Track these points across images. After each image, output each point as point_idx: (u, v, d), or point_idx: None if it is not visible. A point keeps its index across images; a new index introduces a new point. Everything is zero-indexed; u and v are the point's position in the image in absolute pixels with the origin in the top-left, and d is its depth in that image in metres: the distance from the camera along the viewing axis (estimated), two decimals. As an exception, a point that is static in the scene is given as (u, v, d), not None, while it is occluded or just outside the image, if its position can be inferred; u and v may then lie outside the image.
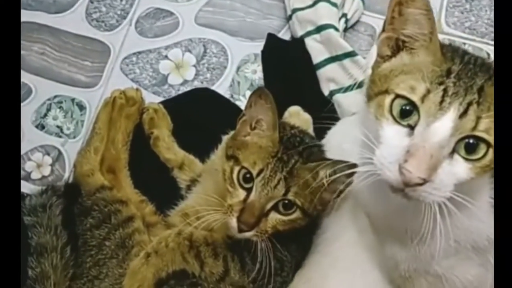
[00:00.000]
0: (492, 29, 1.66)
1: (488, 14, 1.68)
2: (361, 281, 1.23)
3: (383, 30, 1.00)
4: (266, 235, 1.18)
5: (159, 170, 1.50)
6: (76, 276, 1.32)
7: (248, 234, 1.16)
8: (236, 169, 1.19)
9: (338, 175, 1.10)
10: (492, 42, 1.64)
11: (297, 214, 1.18)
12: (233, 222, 1.16)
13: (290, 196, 1.16)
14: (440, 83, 0.89)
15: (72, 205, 1.40)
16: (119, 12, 1.73)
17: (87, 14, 1.72)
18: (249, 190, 1.17)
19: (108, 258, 1.30)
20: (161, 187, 1.49)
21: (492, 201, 1.03)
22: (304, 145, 1.22)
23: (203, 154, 1.47)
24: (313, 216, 1.22)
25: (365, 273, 1.23)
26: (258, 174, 1.16)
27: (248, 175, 1.17)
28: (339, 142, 1.29)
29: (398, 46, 0.99)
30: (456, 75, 0.90)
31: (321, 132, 1.38)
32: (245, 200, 1.17)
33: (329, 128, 1.38)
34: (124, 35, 1.70)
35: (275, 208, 1.17)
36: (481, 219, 1.03)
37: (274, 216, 1.18)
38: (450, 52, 0.95)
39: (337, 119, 1.49)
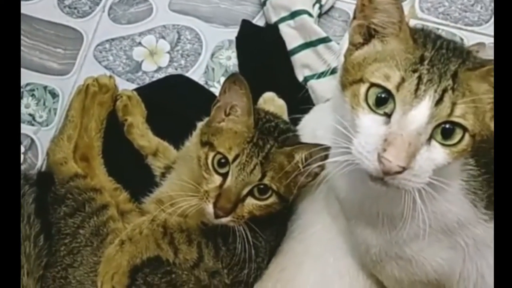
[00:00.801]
0: (466, 13, 1.67)
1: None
2: (333, 268, 1.24)
3: (354, 18, 0.99)
4: (242, 221, 1.18)
5: (133, 157, 1.50)
6: (49, 264, 1.31)
7: (224, 220, 1.17)
8: (211, 154, 1.19)
9: (318, 163, 1.12)
10: (466, 27, 1.65)
11: (273, 199, 1.19)
12: (210, 208, 1.16)
13: (266, 180, 1.17)
14: (414, 71, 0.89)
15: (45, 194, 1.39)
16: (92, -1, 1.71)
17: (59, 1, 1.70)
18: (225, 176, 1.17)
19: (83, 246, 1.30)
20: (135, 175, 1.49)
21: (464, 183, 1.05)
22: (279, 131, 1.22)
23: (177, 141, 1.47)
24: (289, 201, 1.23)
25: (337, 260, 1.24)
26: (234, 160, 1.16)
27: (223, 161, 1.17)
28: (313, 128, 1.30)
29: (370, 34, 0.98)
30: (429, 61, 0.90)
31: (295, 118, 1.38)
32: (221, 185, 1.17)
33: (303, 115, 1.38)
34: (97, 22, 1.68)
35: (251, 193, 1.18)
36: (451, 202, 1.05)
37: (250, 201, 1.18)
38: (422, 38, 0.95)
39: (311, 105, 1.49)
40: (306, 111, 1.39)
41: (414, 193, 0.90)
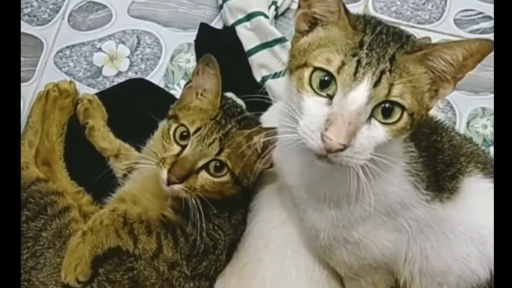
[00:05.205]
0: (417, 12, 1.72)
1: (413, -1, 1.76)
2: (290, 260, 1.28)
3: (299, 7, 1.03)
4: (194, 193, 1.21)
5: (95, 160, 1.51)
6: (12, 268, 1.31)
7: (176, 187, 1.20)
8: (174, 126, 1.23)
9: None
10: (418, 25, 1.70)
11: (226, 178, 1.22)
12: (164, 174, 1.19)
13: (222, 156, 1.20)
14: (354, 55, 0.93)
15: (7, 199, 1.39)
16: (51, 6, 1.73)
17: (19, 9, 1.72)
18: (183, 147, 1.21)
19: (45, 248, 1.30)
20: (97, 177, 1.49)
21: (406, 165, 1.09)
22: (242, 116, 1.28)
23: (138, 143, 1.48)
24: (243, 185, 1.26)
25: (294, 252, 1.28)
26: (195, 132, 1.20)
27: (185, 133, 1.21)
28: (271, 124, 1.32)
29: (314, 22, 1.02)
30: (368, 46, 0.94)
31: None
32: (178, 154, 1.20)
33: (261, 113, 1.41)
34: (57, 29, 1.71)
35: (206, 167, 1.21)
36: (394, 183, 1.09)
37: (204, 175, 1.21)
38: (362, 23, 0.98)
39: (269, 103, 1.52)
40: (264, 109, 1.41)
41: (357, 169, 0.93)
